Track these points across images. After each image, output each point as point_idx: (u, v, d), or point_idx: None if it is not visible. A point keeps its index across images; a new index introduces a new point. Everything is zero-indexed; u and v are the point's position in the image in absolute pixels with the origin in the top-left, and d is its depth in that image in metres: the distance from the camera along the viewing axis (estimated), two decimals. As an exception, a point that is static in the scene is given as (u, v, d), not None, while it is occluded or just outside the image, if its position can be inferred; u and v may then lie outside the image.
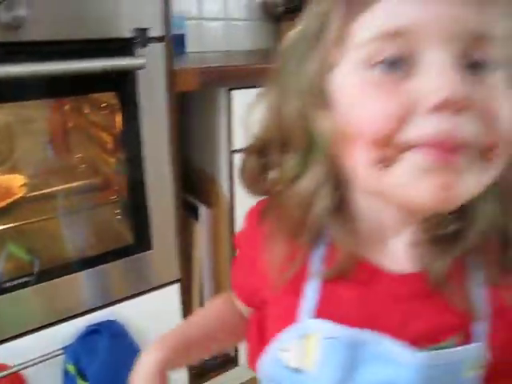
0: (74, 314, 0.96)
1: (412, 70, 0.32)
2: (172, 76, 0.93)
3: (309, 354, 0.40)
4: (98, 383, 0.92)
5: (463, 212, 0.37)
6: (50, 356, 0.91)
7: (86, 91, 0.92)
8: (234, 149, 1.06)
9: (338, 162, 0.38)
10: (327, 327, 0.39)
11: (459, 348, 0.38)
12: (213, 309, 0.59)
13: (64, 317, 0.95)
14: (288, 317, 0.41)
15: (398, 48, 0.32)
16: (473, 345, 0.38)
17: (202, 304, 1.20)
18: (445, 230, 0.38)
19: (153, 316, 1.05)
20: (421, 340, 0.38)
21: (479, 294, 0.39)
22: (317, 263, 0.41)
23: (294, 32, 0.39)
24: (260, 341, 0.47)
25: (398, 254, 0.40)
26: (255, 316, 0.51)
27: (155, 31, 0.89)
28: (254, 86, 1.02)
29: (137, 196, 0.97)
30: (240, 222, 1.12)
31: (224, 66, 1.07)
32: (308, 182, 0.39)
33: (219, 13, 1.57)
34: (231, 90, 1.01)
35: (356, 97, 0.35)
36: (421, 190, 0.33)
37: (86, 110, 1.05)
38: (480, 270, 0.39)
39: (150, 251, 1.01)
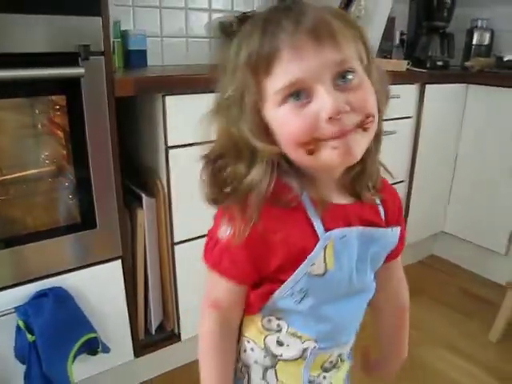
0: (27, 279, 1.14)
1: (311, 97, 0.54)
2: (111, 83, 1.12)
3: (329, 256, 0.61)
4: (42, 337, 1.10)
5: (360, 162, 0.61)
6: (2, 313, 1.10)
7: (39, 94, 1.13)
8: (169, 145, 1.25)
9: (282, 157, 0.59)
10: (340, 231, 0.62)
11: (397, 228, 0.69)
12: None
13: (17, 281, 1.13)
14: (306, 243, 0.60)
15: (296, 88, 0.54)
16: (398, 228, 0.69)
17: (146, 277, 1.38)
18: (353, 173, 0.63)
19: (97, 286, 1.24)
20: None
21: (382, 212, 0.68)
22: (312, 211, 0.61)
23: (226, 94, 0.58)
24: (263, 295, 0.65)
25: (342, 195, 0.65)
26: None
27: (97, 47, 1.09)
28: (183, 93, 1.23)
29: (84, 183, 1.17)
30: (176, 209, 1.32)
31: (155, 77, 1.28)
32: (254, 176, 0.58)
33: (180, 31, 1.80)
34: (165, 96, 1.21)
35: (282, 121, 0.56)
36: (336, 158, 0.55)
37: (49, 111, 1.25)
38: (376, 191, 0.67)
39: (95, 229, 1.21)
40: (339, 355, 0.72)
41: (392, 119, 1.75)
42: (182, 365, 1.54)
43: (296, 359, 0.68)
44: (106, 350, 1.27)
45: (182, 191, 1.30)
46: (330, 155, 0.55)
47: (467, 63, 2.07)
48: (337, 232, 0.61)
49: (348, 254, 0.63)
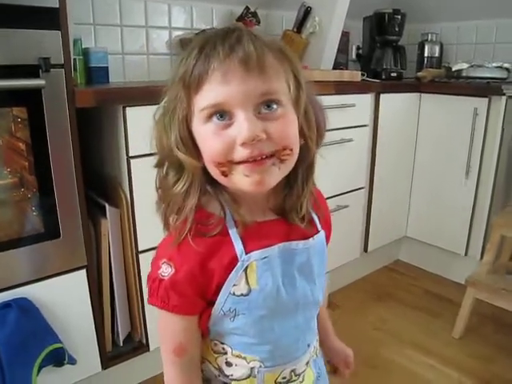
0: (-10, 291, 1.14)
1: (232, 120, 0.57)
2: (71, 95, 1.16)
3: (251, 277, 0.63)
4: (6, 348, 1.10)
5: (288, 182, 0.66)
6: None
7: (0, 105, 1.15)
8: (130, 155, 1.28)
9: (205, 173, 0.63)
10: (261, 252, 0.64)
11: (320, 233, 0.72)
12: None
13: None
14: (231, 264, 0.63)
15: (220, 109, 0.57)
16: (322, 231, 0.73)
17: (111, 286, 1.39)
18: (283, 194, 0.67)
19: (62, 296, 1.25)
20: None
21: (317, 222, 0.72)
22: (234, 234, 0.64)
23: (163, 102, 0.63)
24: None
25: (268, 213, 0.68)
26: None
27: (57, 59, 1.13)
28: (143, 104, 1.26)
29: (46, 193, 1.19)
30: (140, 218, 1.34)
31: (115, 88, 1.31)
32: (181, 186, 0.63)
33: (142, 48, 1.85)
34: (125, 107, 1.25)
35: (204, 139, 0.60)
36: (248, 185, 0.59)
37: (10, 124, 1.26)
38: (315, 216, 0.72)
39: (59, 239, 1.22)
40: (292, 370, 0.73)
41: (349, 127, 1.83)
42: (151, 376, 1.54)
43: (246, 378, 0.70)
44: (73, 361, 1.27)
45: (144, 200, 1.32)
46: (241, 181, 0.59)
47: (419, 74, 2.18)
48: (256, 254, 0.64)
49: (272, 272, 0.65)
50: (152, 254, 1.40)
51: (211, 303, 0.66)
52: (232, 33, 0.58)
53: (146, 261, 1.38)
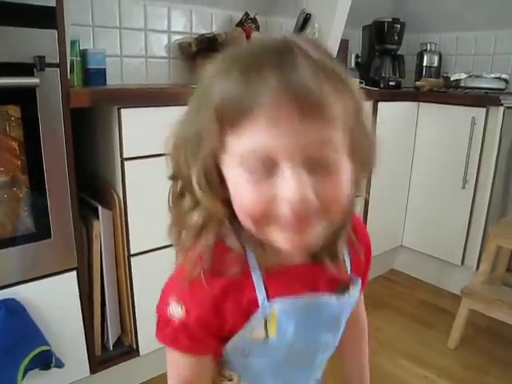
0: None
1: (275, 171, 0.46)
2: (66, 94, 1.15)
3: (271, 325, 0.57)
4: (-7, 349, 1.08)
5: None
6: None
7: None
8: (124, 157, 1.27)
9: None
10: (283, 302, 0.57)
11: (357, 286, 0.64)
12: None
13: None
14: (249, 308, 0.57)
15: (261, 156, 0.46)
16: (358, 279, 0.64)
17: (102, 289, 1.37)
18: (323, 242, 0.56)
19: (51, 298, 1.23)
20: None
21: (349, 264, 0.63)
22: (257, 277, 0.57)
23: (183, 123, 0.52)
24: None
25: (297, 254, 0.59)
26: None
27: (52, 58, 1.12)
28: (138, 106, 1.26)
29: (38, 193, 1.17)
30: (132, 221, 1.33)
31: (110, 89, 1.31)
32: (197, 217, 0.54)
33: (140, 51, 1.85)
34: (120, 108, 1.24)
35: (237, 184, 0.49)
36: (282, 243, 0.50)
37: (3, 123, 1.25)
38: (347, 256, 0.63)
39: (50, 239, 1.20)
40: None
41: (346, 134, 1.82)
42: (140, 382, 1.52)
43: None
44: (60, 364, 1.24)
45: (137, 203, 1.31)
46: (275, 237, 0.51)
47: (417, 83, 2.19)
48: (280, 302, 0.57)
49: (294, 322, 0.59)
50: (144, 257, 1.41)
51: (224, 339, 0.61)
52: (285, 53, 0.45)
53: (138, 264, 1.37)
